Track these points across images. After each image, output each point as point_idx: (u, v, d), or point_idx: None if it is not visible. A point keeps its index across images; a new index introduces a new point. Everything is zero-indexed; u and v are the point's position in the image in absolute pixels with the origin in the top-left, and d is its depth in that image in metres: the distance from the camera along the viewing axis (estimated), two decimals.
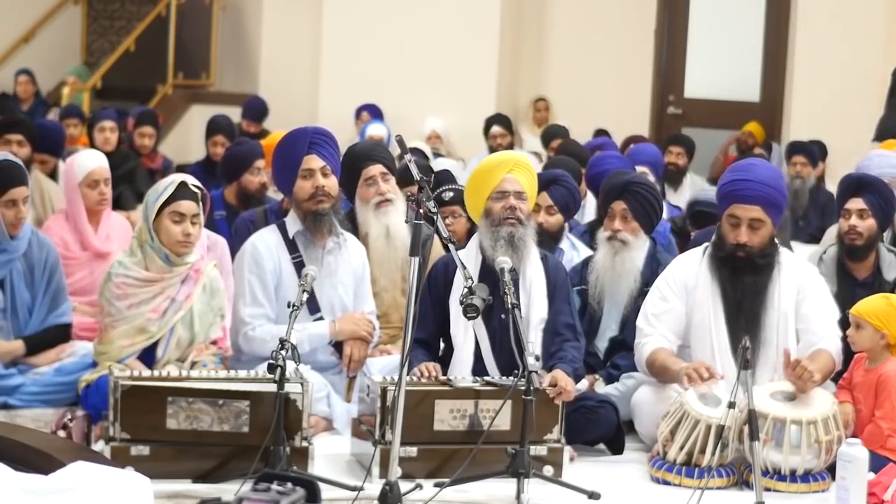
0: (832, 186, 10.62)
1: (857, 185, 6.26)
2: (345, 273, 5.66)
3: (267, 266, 5.54)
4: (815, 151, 10.48)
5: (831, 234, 7.54)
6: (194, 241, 5.49)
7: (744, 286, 5.38)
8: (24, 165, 6.05)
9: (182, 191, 5.44)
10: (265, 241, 5.60)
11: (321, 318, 5.60)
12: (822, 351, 5.30)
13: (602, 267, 5.92)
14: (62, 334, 6.02)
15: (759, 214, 5.35)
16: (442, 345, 5.46)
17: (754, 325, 5.34)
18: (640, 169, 7.59)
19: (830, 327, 5.41)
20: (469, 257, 5.32)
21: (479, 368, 5.30)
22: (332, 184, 5.61)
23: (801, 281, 5.44)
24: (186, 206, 5.42)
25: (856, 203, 6.17)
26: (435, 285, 5.39)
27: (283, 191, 5.80)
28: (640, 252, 5.95)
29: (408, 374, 5.05)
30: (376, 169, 6.11)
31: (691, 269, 5.49)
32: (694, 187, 10.47)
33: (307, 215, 5.58)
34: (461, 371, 5.26)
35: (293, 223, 5.63)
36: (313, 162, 5.58)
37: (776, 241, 5.49)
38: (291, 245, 5.59)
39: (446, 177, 6.69)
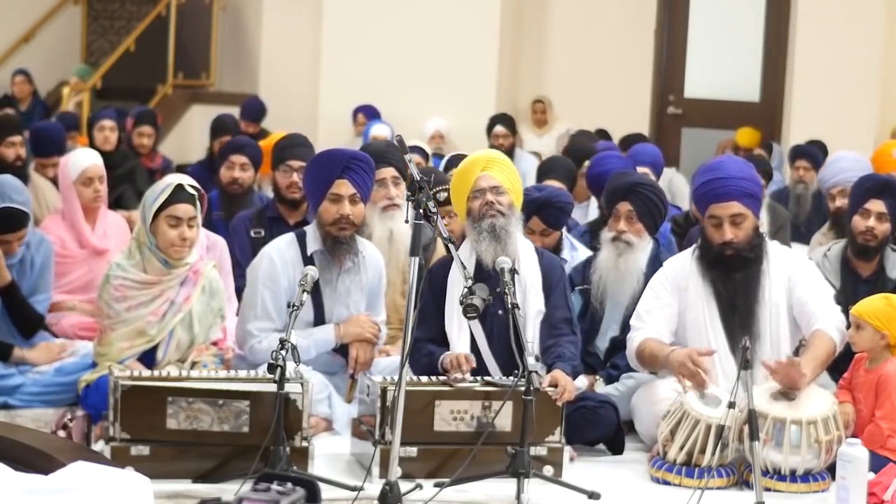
0: None
1: (881, 187, 6.25)
2: (358, 294, 5.60)
3: (282, 282, 5.46)
4: (818, 155, 10.39)
5: (816, 239, 7.56)
6: (191, 244, 5.47)
7: (735, 284, 5.39)
8: (25, 210, 5.96)
9: (178, 193, 5.42)
10: (282, 256, 5.50)
11: None
12: (819, 333, 5.26)
13: (605, 267, 5.92)
14: (32, 318, 6.02)
15: (738, 209, 5.36)
16: None
17: (749, 322, 5.35)
18: (640, 169, 7.58)
19: (827, 305, 5.38)
20: (464, 258, 5.32)
21: (478, 365, 5.30)
22: (358, 212, 5.49)
23: (790, 268, 5.44)
24: (183, 209, 5.40)
25: (877, 205, 6.18)
26: (434, 286, 5.39)
27: (313, 206, 5.66)
28: (643, 253, 5.95)
29: (438, 368, 5.13)
30: (388, 172, 6.09)
31: (682, 271, 5.50)
32: (672, 184, 10.48)
33: (327, 238, 5.50)
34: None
35: (313, 240, 5.52)
36: (344, 188, 5.45)
37: (762, 232, 5.51)
38: (309, 262, 5.47)
39: (442, 177, 6.67)
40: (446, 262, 5.40)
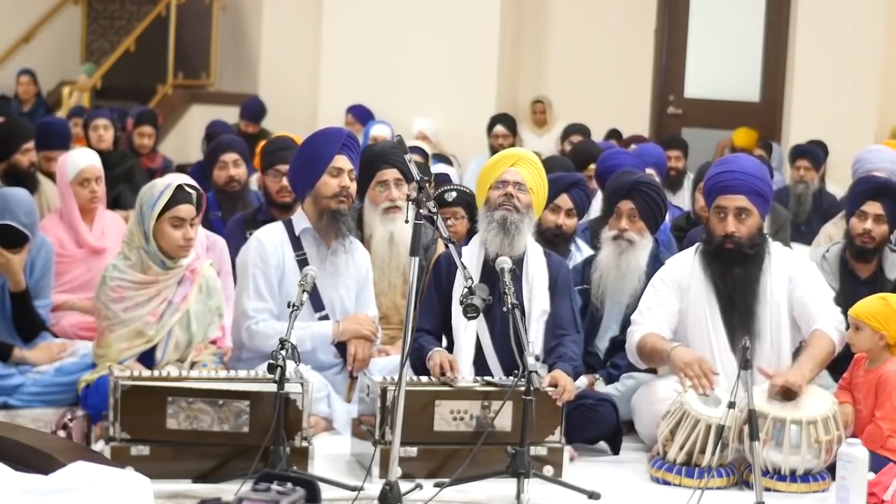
0: (833, 187, 10.62)
1: (879, 189, 6.26)
2: (348, 276, 5.65)
3: (271, 261, 5.54)
4: (819, 155, 10.39)
5: (826, 230, 7.56)
6: (193, 243, 5.49)
7: (734, 278, 5.40)
8: (27, 234, 5.92)
9: (179, 194, 5.42)
10: (270, 237, 5.60)
11: (326, 316, 5.60)
12: (818, 333, 5.28)
13: (606, 266, 5.93)
14: (36, 324, 6.02)
15: (744, 203, 5.37)
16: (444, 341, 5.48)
17: (748, 319, 5.35)
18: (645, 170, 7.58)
19: (826, 306, 5.39)
20: (472, 254, 5.40)
21: (479, 362, 5.32)
22: (354, 188, 5.65)
23: (791, 269, 5.45)
24: (186, 210, 5.41)
25: (874, 207, 6.19)
26: (439, 279, 5.42)
27: (296, 188, 5.76)
28: (644, 252, 5.95)
29: (421, 368, 5.14)
30: (391, 174, 6.10)
31: (685, 268, 5.51)
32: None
33: (324, 213, 5.56)
34: (462, 364, 5.27)
35: (300, 220, 5.62)
36: (344, 162, 5.59)
37: (765, 233, 5.51)
38: (296, 242, 5.59)
39: (445, 178, 6.71)
40: (452, 256, 5.42)
